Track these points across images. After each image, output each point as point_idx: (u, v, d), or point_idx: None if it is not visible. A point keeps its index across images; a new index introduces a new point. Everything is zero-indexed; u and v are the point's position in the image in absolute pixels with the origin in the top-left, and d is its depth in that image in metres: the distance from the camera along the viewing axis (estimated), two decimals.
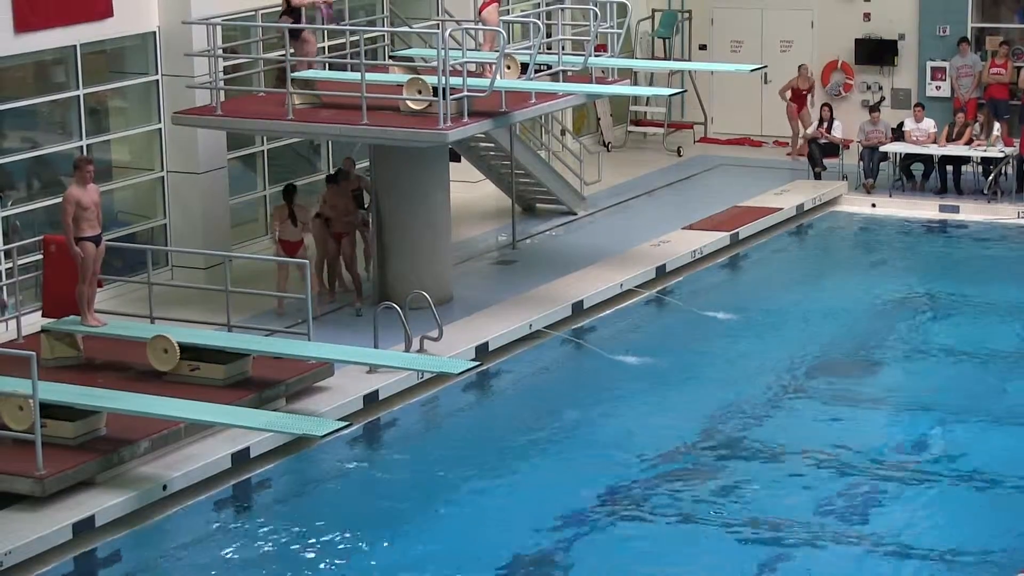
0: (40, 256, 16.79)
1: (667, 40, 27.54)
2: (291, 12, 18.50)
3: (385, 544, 13.48)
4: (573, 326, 18.67)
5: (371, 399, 16.02)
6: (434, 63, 18.02)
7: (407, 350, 16.68)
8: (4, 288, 17.24)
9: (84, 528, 13.18)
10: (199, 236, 19.55)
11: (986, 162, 23.67)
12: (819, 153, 24.50)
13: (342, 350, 15.80)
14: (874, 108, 24.44)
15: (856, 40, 26.60)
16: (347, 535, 13.59)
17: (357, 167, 19.74)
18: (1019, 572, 12.31)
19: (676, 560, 13.13)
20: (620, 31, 19.81)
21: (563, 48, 20.15)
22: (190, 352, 15.40)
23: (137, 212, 19.80)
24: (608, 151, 26.69)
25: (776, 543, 13.29)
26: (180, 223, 19.70)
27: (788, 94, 25.51)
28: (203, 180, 19.60)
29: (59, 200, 18.45)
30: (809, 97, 25.66)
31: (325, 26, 19.54)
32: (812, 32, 27.00)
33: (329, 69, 19.46)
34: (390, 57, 21.42)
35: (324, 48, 21.32)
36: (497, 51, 17.72)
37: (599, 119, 27.17)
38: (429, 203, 18.50)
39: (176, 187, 19.67)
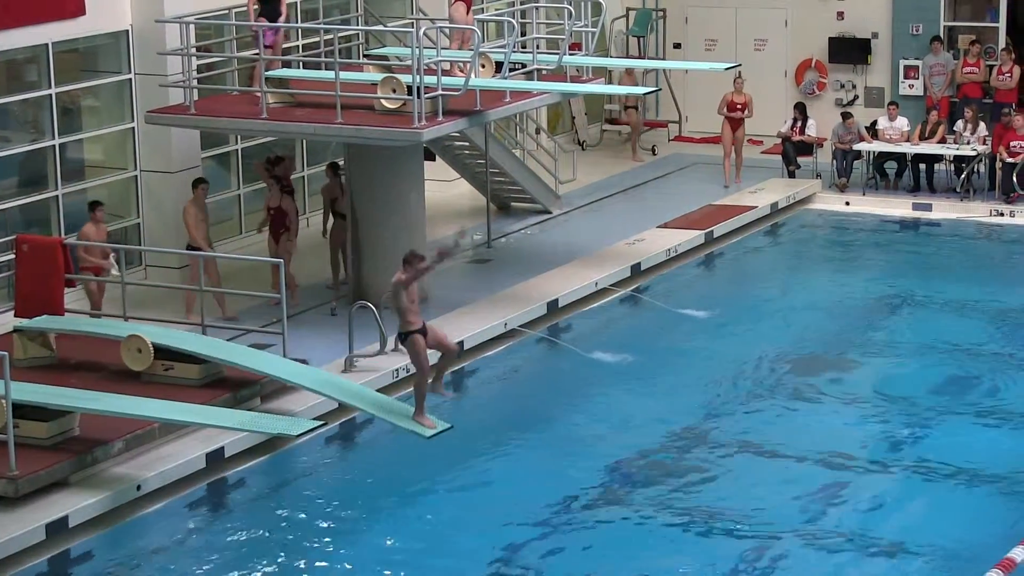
0: (12, 256, 16.71)
1: (642, 39, 27.57)
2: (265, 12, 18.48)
3: (361, 543, 13.46)
4: (548, 324, 18.68)
5: None
6: (408, 62, 18.00)
7: (382, 349, 16.67)
8: None
9: (58, 529, 13.12)
10: (173, 235, 19.48)
11: (959, 160, 23.76)
12: (793, 152, 24.55)
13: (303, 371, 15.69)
14: (847, 114, 24.45)
15: (830, 39, 26.68)
16: (323, 534, 13.58)
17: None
18: (995, 567, 12.34)
19: (653, 557, 13.14)
20: (595, 30, 19.82)
21: (537, 47, 20.15)
22: (165, 352, 15.34)
23: (110, 211, 19.69)
24: (583, 150, 26.71)
25: (754, 540, 13.31)
26: (154, 222, 19.64)
27: (725, 110, 24.16)
28: (177, 179, 19.54)
29: (35, 199, 18.46)
30: (746, 115, 24.13)
31: (300, 24, 19.51)
32: (786, 31, 27.07)
33: (303, 68, 19.42)
34: (364, 56, 21.39)
35: (299, 47, 21.29)
36: (471, 49, 17.71)
37: (574, 118, 27.18)
38: (404, 202, 18.47)
39: (150, 186, 19.61)
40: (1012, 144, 23.11)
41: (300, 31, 20.62)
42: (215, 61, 19.87)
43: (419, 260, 14.13)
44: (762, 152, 25.87)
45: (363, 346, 16.67)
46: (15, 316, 16.42)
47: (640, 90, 22.49)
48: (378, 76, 18.06)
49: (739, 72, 24.03)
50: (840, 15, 26.64)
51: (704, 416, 16.11)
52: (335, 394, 15.10)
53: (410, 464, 15.09)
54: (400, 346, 16.70)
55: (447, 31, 19.11)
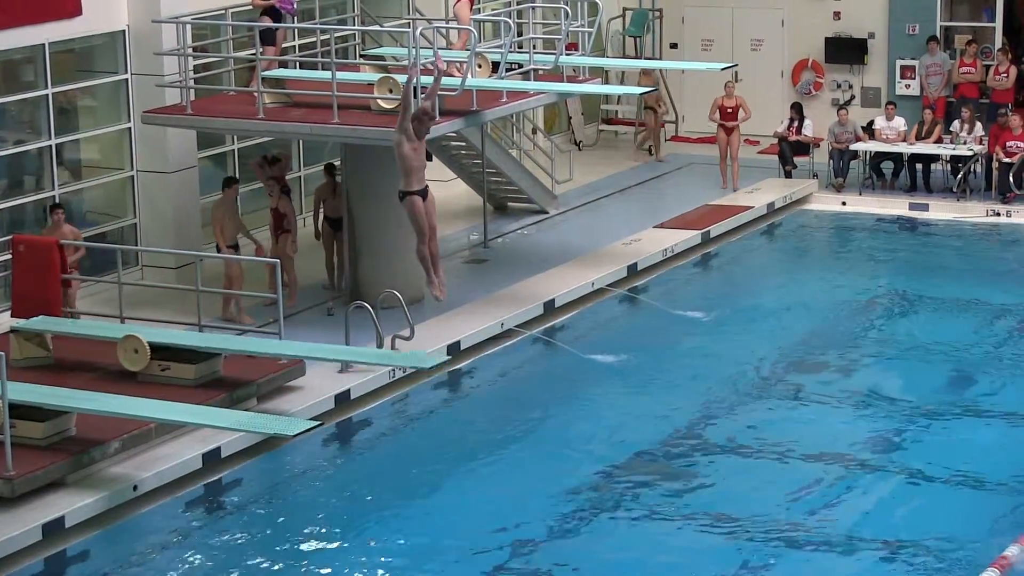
0: (9, 256, 16.71)
1: (638, 39, 27.58)
2: (268, 12, 18.50)
3: (358, 543, 13.46)
4: (545, 325, 18.68)
5: (343, 398, 16.00)
6: (405, 62, 17.99)
7: (379, 349, 16.66)
8: None
9: (54, 529, 13.12)
10: (169, 236, 19.49)
11: (955, 160, 23.78)
12: (789, 152, 24.56)
13: (315, 347, 15.79)
14: (842, 108, 24.49)
15: (826, 39, 26.69)
16: (319, 535, 13.58)
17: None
18: (990, 566, 12.35)
19: (649, 558, 13.14)
20: (591, 30, 19.83)
21: (534, 47, 20.16)
22: (161, 352, 15.34)
23: (107, 211, 19.73)
24: (579, 150, 26.71)
25: (749, 539, 13.32)
26: (150, 222, 19.63)
27: (716, 115, 24.01)
28: (173, 179, 19.54)
29: (32, 199, 18.47)
30: (740, 118, 23.92)
31: (297, 24, 19.52)
32: (782, 31, 27.08)
33: (300, 68, 19.43)
34: (361, 56, 21.39)
35: (295, 47, 21.29)
36: (467, 50, 17.71)
37: (570, 118, 27.19)
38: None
39: (146, 186, 19.61)
40: (1008, 144, 23.12)
41: (297, 31, 20.62)
42: (211, 61, 19.87)
43: (429, 119, 15.24)
44: (759, 152, 25.87)
45: (360, 346, 16.66)
46: (12, 316, 16.42)
47: (636, 90, 22.51)
48: (375, 76, 18.07)
49: (735, 75, 24.03)
50: (836, 15, 26.65)
51: (701, 416, 16.11)
52: (342, 357, 15.58)
53: (407, 464, 15.09)
54: (395, 346, 16.77)
55: (444, 31, 19.11)
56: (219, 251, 17.85)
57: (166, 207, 19.54)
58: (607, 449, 15.30)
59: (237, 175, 20.94)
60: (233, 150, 21.05)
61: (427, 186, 15.13)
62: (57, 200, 18.15)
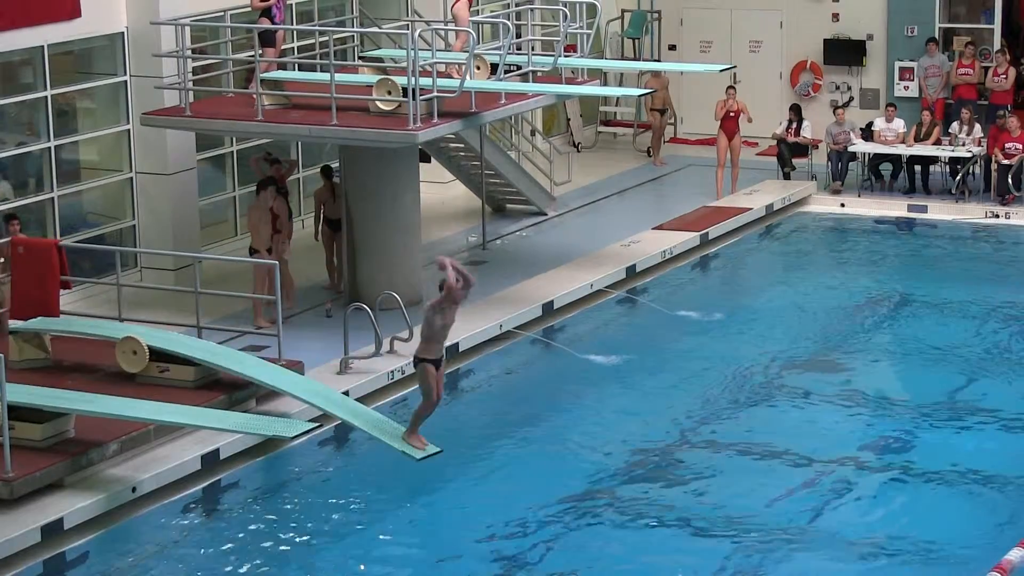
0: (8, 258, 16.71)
1: (637, 40, 27.59)
2: (267, 14, 18.51)
3: (356, 544, 13.46)
4: (543, 326, 18.69)
5: None
6: (404, 64, 18.01)
7: (377, 351, 16.68)
8: None
9: (53, 531, 13.12)
10: (168, 237, 19.50)
11: (954, 162, 23.79)
12: (788, 153, 24.56)
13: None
14: (839, 108, 24.51)
15: (825, 40, 26.71)
16: (318, 536, 13.58)
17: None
18: (992, 570, 12.35)
19: (647, 560, 13.15)
20: (590, 31, 19.85)
21: (533, 48, 20.17)
22: (160, 353, 15.32)
23: (106, 213, 19.73)
24: (578, 151, 26.72)
25: (746, 541, 13.33)
26: (149, 224, 19.64)
27: (719, 113, 23.62)
28: (172, 181, 19.55)
29: (31, 201, 18.47)
30: (741, 122, 23.66)
31: (296, 26, 19.52)
32: (781, 32, 27.10)
33: (299, 70, 19.44)
34: (360, 58, 21.40)
35: (293, 48, 21.30)
36: (467, 50, 17.73)
37: (569, 119, 27.20)
38: (399, 204, 18.49)
39: (145, 188, 19.61)
40: (1007, 146, 23.14)
41: (296, 33, 20.62)
42: (210, 63, 19.87)
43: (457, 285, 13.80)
44: (757, 154, 25.86)
45: (358, 348, 16.68)
46: (11, 318, 16.41)
47: (635, 91, 22.50)
48: (373, 78, 18.09)
49: (733, 76, 23.99)
50: (835, 16, 26.67)
51: (699, 417, 16.12)
52: (325, 405, 14.89)
53: (405, 466, 15.07)
54: (393, 348, 16.77)
55: (443, 33, 19.13)
56: (252, 254, 17.83)
57: (165, 209, 19.54)
58: (606, 450, 15.31)
59: (236, 177, 21.00)
60: (232, 152, 21.05)
61: (443, 356, 14.05)
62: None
